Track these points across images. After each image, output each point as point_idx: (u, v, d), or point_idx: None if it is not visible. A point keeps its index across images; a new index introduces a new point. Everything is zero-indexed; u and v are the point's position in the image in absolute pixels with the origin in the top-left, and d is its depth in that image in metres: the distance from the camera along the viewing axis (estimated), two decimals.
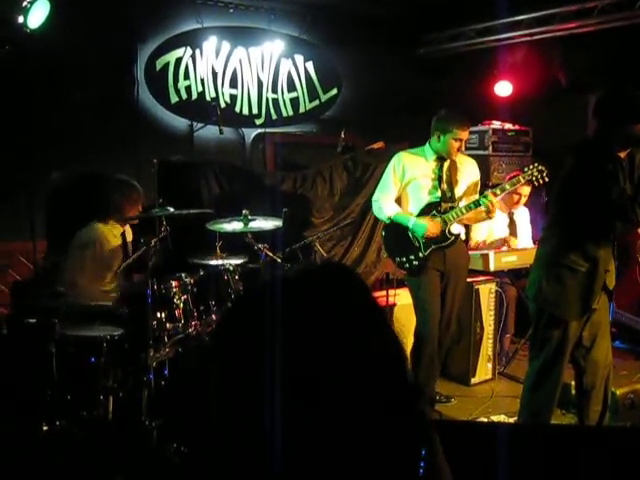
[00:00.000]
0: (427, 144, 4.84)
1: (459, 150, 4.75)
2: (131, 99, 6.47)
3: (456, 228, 4.84)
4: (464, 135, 4.71)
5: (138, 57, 6.55)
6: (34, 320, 4.06)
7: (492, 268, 5.55)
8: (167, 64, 6.68)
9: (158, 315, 4.19)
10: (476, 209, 4.74)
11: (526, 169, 4.75)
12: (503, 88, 7.74)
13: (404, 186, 4.83)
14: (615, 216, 3.69)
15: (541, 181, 4.70)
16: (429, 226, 4.68)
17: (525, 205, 6.17)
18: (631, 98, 3.64)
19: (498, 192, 4.77)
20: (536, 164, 4.75)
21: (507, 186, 4.79)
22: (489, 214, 4.70)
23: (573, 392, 4.19)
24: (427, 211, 4.77)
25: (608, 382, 4.00)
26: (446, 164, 4.80)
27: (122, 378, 4.10)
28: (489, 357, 5.68)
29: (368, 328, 0.94)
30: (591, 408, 3.97)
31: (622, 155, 3.70)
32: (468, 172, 4.94)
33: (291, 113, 7.34)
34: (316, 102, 7.47)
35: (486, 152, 6.85)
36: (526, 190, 5.87)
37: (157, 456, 3.82)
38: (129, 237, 5.04)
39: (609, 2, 6.20)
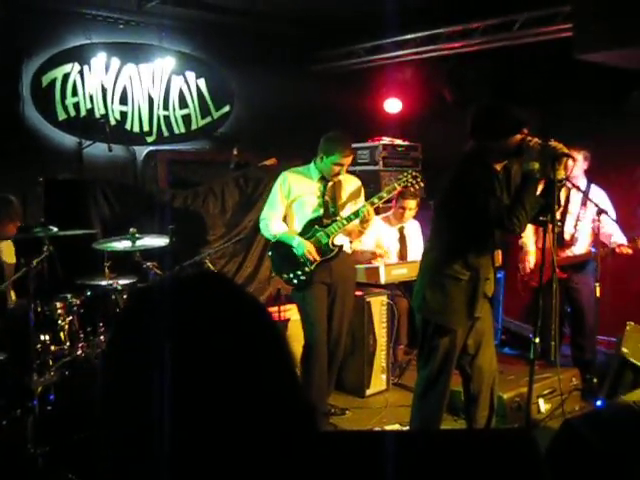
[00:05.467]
0: (312, 163, 4.92)
1: (338, 174, 4.83)
2: (16, 116, 6.28)
3: (339, 239, 4.90)
4: (345, 161, 4.79)
5: (23, 72, 6.37)
6: None
7: (383, 281, 5.63)
8: (54, 80, 6.52)
9: (42, 338, 4.06)
10: (356, 219, 4.79)
11: (400, 176, 4.90)
12: (392, 105, 7.94)
13: (290, 204, 4.89)
14: (493, 225, 3.81)
15: (417, 186, 4.85)
16: (309, 247, 4.73)
17: (415, 218, 6.29)
18: (504, 112, 3.75)
19: (376, 200, 4.81)
20: (410, 171, 4.93)
21: (384, 194, 4.86)
22: (363, 224, 4.75)
23: (462, 398, 4.31)
24: (310, 226, 4.83)
25: (494, 388, 4.11)
26: (330, 182, 4.89)
27: (5, 405, 3.94)
28: (383, 368, 5.76)
29: (245, 335, 0.92)
30: (479, 413, 4.08)
31: (498, 167, 3.85)
32: (351, 189, 5.04)
33: (183, 130, 7.29)
34: (208, 119, 7.46)
35: (377, 167, 7.02)
36: (411, 204, 5.99)
37: None
38: (11, 259, 4.85)
39: (490, 24, 6.50)
